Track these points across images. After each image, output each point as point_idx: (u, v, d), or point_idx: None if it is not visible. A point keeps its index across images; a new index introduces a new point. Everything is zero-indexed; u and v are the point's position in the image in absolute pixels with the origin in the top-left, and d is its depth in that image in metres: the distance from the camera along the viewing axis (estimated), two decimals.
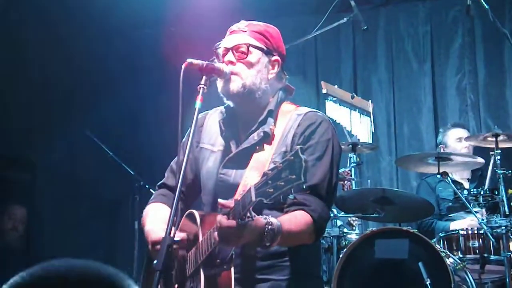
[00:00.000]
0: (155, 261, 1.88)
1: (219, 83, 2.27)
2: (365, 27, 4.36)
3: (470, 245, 3.99)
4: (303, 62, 5.87)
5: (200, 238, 2.11)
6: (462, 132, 4.85)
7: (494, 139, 4.06)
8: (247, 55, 2.25)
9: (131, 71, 6.06)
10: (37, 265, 0.97)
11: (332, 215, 4.11)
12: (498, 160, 4.00)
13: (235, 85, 2.23)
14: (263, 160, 2.15)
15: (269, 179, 1.71)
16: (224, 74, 2.23)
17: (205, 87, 2.14)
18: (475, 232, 4.00)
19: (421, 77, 5.64)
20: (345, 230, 4.25)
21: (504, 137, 4.09)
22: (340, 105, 4.77)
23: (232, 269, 2.07)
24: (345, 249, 3.90)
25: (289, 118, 2.26)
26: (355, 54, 5.84)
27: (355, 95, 4.92)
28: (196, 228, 2.17)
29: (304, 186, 1.67)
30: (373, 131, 5.02)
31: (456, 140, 4.84)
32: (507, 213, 3.87)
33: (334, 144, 2.24)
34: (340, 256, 3.87)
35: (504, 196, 3.90)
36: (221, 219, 1.88)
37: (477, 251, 3.95)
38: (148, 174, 4.93)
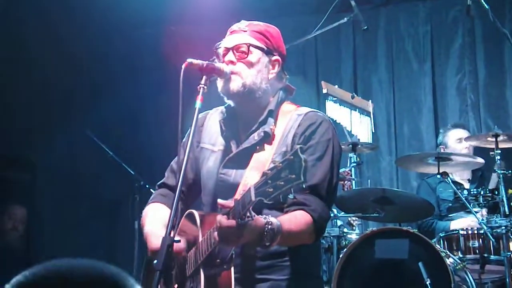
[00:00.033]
0: (155, 261, 1.88)
1: (219, 83, 2.27)
2: (365, 27, 4.36)
3: (470, 245, 3.99)
4: (303, 62, 5.87)
5: (200, 238, 2.11)
6: (462, 133, 4.85)
7: (494, 139, 4.06)
8: (247, 55, 2.25)
9: (132, 71, 6.06)
10: (40, 265, 0.97)
11: (332, 215, 4.11)
12: (498, 160, 4.00)
13: (235, 84, 2.23)
14: (264, 160, 2.15)
15: (268, 179, 1.71)
16: (224, 74, 2.23)
17: (205, 87, 2.14)
18: (475, 232, 4.00)
19: (421, 77, 5.64)
20: (345, 230, 4.25)
21: (504, 137, 4.09)
22: (340, 105, 4.77)
23: (232, 269, 2.07)
24: (345, 249, 3.90)
25: (289, 118, 2.26)
26: (355, 54, 5.84)
27: (355, 95, 4.92)
28: (196, 228, 2.17)
29: (303, 186, 1.67)
30: (373, 131, 5.02)
31: (456, 140, 4.84)
32: (507, 213, 3.87)
33: (334, 144, 2.24)
34: (340, 256, 3.87)
35: (504, 196, 3.90)
36: (221, 219, 1.87)
37: (477, 251, 3.95)
38: (148, 174, 4.93)
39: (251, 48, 2.25)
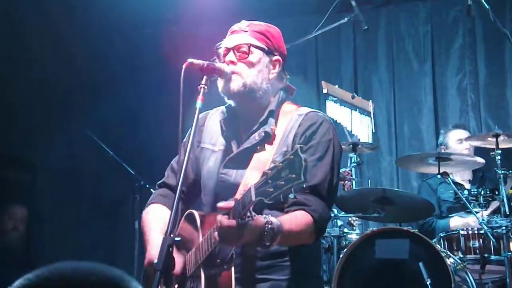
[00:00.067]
0: (155, 261, 1.87)
1: (220, 83, 2.27)
2: (366, 27, 4.36)
3: (471, 245, 3.99)
4: (304, 62, 5.87)
5: (200, 238, 2.11)
6: (463, 133, 4.85)
7: (494, 139, 4.06)
8: (248, 55, 2.25)
9: (132, 70, 6.06)
10: (43, 267, 0.97)
11: (332, 215, 4.11)
12: (499, 160, 4.00)
13: (236, 84, 2.23)
14: (264, 160, 2.15)
15: (269, 179, 1.71)
16: (225, 74, 2.23)
17: (205, 87, 2.14)
18: (476, 232, 4.00)
19: (421, 77, 5.64)
20: (345, 230, 4.25)
21: (505, 137, 4.09)
22: (340, 105, 4.77)
23: (233, 269, 2.07)
24: (346, 249, 3.90)
25: (290, 118, 2.26)
26: (355, 54, 5.84)
27: (355, 95, 4.92)
28: (196, 229, 2.17)
29: (304, 186, 1.67)
30: (374, 131, 5.02)
31: (457, 141, 4.84)
32: (508, 213, 3.87)
33: (335, 144, 2.24)
34: (341, 256, 3.87)
35: (505, 196, 3.90)
36: (221, 218, 1.87)
37: (478, 251, 3.95)
38: (148, 174, 4.93)
39: (251, 48, 2.25)
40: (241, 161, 2.22)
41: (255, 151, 2.20)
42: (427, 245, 3.72)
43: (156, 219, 2.34)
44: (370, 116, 4.96)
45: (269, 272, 2.17)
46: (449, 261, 3.76)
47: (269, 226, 1.92)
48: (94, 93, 5.90)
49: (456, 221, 4.47)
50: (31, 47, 5.51)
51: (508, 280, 3.74)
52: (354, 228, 4.38)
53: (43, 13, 5.44)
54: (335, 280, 3.76)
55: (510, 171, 3.98)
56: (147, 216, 2.40)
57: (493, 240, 3.87)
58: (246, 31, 2.28)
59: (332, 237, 4.17)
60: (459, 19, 5.59)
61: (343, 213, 4.31)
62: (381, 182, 5.53)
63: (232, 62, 2.25)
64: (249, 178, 2.10)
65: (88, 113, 5.65)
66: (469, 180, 4.86)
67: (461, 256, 3.95)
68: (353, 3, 4.30)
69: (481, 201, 4.04)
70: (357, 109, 4.90)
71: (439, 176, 4.17)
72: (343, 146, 3.75)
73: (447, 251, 3.96)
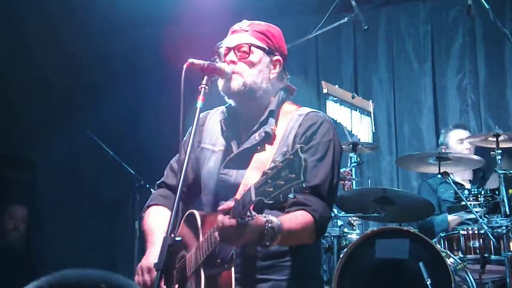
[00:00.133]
0: (155, 261, 1.87)
1: (220, 83, 2.27)
2: (366, 27, 4.36)
3: (471, 245, 3.98)
4: (304, 62, 5.87)
5: (201, 238, 2.11)
6: (464, 133, 4.85)
7: (495, 139, 4.06)
8: (249, 55, 2.25)
9: (132, 70, 6.06)
10: (49, 275, 0.97)
11: (332, 215, 4.11)
12: (499, 160, 4.00)
13: (236, 83, 2.23)
14: (264, 160, 2.14)
15: (268, 178, 1.71)
16: (225, 74, 2.23)
17: (206, 87, 2.13)
18: (476, 232, 4.00)
19: (421, 77, 5.64)
20: (345, 230, 4.25)
21: (505, 137, 4.09)
22: (340, 105, 4.77)
23: (233, 269, 2.06)
24: (346, 249, 3.89)
25: (290, 118, 2.26)
26: (355, 54, 5.84)
27: (355, 95, 4.92)
28: (196, 228, 2.17)
29: (303, 185, 1.67)
30: (374, 131, 5.02)
31: (457, 141, 4.84)
32: (508, 213, 3.87)
33: (335, 145, 2.24)
34: (341, 256, 3.87)
35: (505, 196, 3.90)
36: (221, 218, 1.87)
37: (478, 251, 3.95)
38: (148, 174, 4.92)
39: (252, 48, 2.25)
40: (241, 161, 2.22)
41: (255, 151, 2.20)
42: (427, 245, 3.72)
43: (157, 222, 2.33)
44: (370, 116, 4.96)
45: (269, 272, 2.17)
46: (449, 261, 3.76)
47: (269, 225, 1.92)
48: (94, 93, 5.90)
49: (453, 217, 4.47)
50: (31, 47, 5.52)
51: (508, 280, 3.73)
52: (354, 228, 4.38)
53: (43, 13, 5.44)
54: (335, 280, 3.76)
55: (510, 171, 3.98)
56: (148, 219, 2.40)
57: (493, 240, 3.87)
58: (247, 31, 2.28)
59: (332, 237, 4.17)
60: (459, 19, 5.59)
61: (343, 213, 4.31)
62: (381, 182, 5.53)
63: (233, 62, 2.25)
64: (249, 178, 2.09)
65: (88, 113, 5.65)
66: (469, 180, 4.86)
67: (461, 256, 3.95)
68: (353, 3, 4.30)
69: (481, 201, 4.04)
70: (357, 109, 4.90)
71: (439, 176, 4.16)
72: (343, 146, 3.74)
73: (447, 251, 3.96)
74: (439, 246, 3.88)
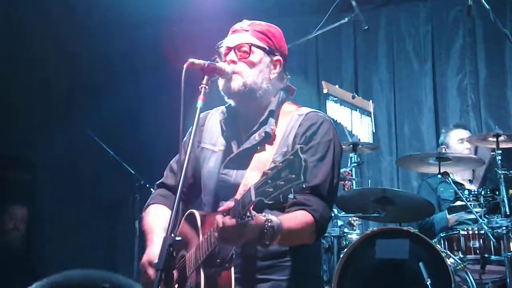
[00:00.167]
0: (156, 261, 1.87)
1: (221, 82, 2.27)
2: (366, 27, 4.36)
3: (471, 245, 3.98)
4: (305, 62, 5.88)
5: (201, 238, 2.11)
6: (464, 133, 4.85)
7: (495, 139, 4.06)
8: (249, 55, 2.25)
9: (132, 70, 6.06)
10: (53, 276, 0.97)
11: (332, 215, 4.10)
12: (499, 161, 4.00)
13: (236, 83, 2.23)
14: (264, 160, 2.14)
15: (268, 179, 1.71)
16: (226, 74, 2.23)
17: (206, 86, 2.13)
18: (476, 232, 4.00)
19: (422, 77, 5.64)
20: (345, 230, 4.25)
21: (505, 137, 4.09)
22: (341, 105, 4.77)
23: (232, 269, 2.06)
24: (346, 249, 3.89)
25: (290, 118, 2.26)
26: (356, 54, 5.84)
27: (356, 95, 4.92)
28: (196, 228, 2.17)
29: (303, 186, 1.66)
30: (374, 131, 5.02)
31: (457, 141, 4.84)
32: (508, 213, 3.87)
33: (335, 145, 2.24)
34: (341, 256, 3.87)
35: (505, 196, 3.90)
36: (221, 218, 1.87)
37: (478, 252, 3.95)
38: (148, 174, 4.92)
39: (253, 48, 2.25)
40: (241, 161, 2.22)
41: (255, 151, 2.20)
42: (427, 245, 3.72)
43: (157, 219, 2.34)
44: (371, 116, 4.96)
45: (269, 272, 2.16)
46: (449, 261, 3.76)
47: (269, 224, 1.92)
48: (94, 93, 5.90)
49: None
50: (31, 47, 5.52)
51: (508, 280, 3.73)
52: (354, 228, 4.38)
53: (43, 13, 5.44)
54: (335, 280, 3.76)
55: (510, 171, 3.98)
56: (148, 217, 2.40)
57: (493, 240, 3.87)
58: (248, 31, 2.28)
59: (332, 237, 4.17)
60: (459, 19, 5.59)
61: (343, 213, 4.31)
62: (381, 182, 5.53)
63: (233, 62, 2.25)
64: (249, 178, 2.09)
65: (88, 113, 5.65)
66: (469, 180, 4.85)
67: (461, 256, 3.94)
68: (354, 3, 4.30)
69: (482, 201, 4.03)
70: (358, 109, 4.90)
71: (439, 176, 4.16)
72: (343, 146, 3.75)
73: (447, 251, 3.96)
74: (439, 246, 3.88)
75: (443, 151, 4.80)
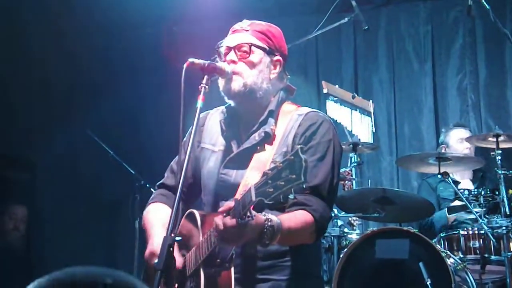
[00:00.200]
0: (156, 261, 1.87)
1: (221, 82, 2.27)
2: (366, 27, 4.36)
3: (471, 245, 3.98)
4: (304, 62, 5.87)
5: (201, 238, 2.11)
6: (464, 133, 4.85)
7: (495, 139, 4.06)
8: (249, 55, 2.25)
9: (132, 70, 6.06)
10: (56, 272, 0.97)
11: (332, 215, 4.10)
12: (499, 161, 4.00)
13: (237, 84, 2.23)
14: (264, 160, 2.14)
15: (269, 179, 1.71)
16: (226, 74, 2.23)
17: (206, 86, 2.14)
18: (476, 232, 4.00)
19: (422, 77, 5.64)
20: (345, 230, 4.25)
21: (505, 138, 4.09)
22: (341, 105, 4.77)
23: (232, 269, 2.06)
24: (346, 249, 3.90)
25: (290, 118, 2.26)
26: (356, 54, 5.84)
27: (356, 95, 4.92)
28: (196, 228, 2.17)
29: (304, 186, 1.67)
30: (374, 131, 5.02)
31: (457, 140, 4.84)
32: (508, 213, 3.87)
33: (335, 145, 2.24)
34: (341, 256, 3.87)
35: (505, 196, 3.90)
36: (221, 218, 1.87)
37: (478, 251, 3.95)
38: (148, 174, 4.92)
39: (253, 48, 2.25)
40: (241, 161, 2.22)
41: (255, 151, 2.20)
42: (427, 245, 3.72)
43: (158, 216, 2.34)
44: (371, 116, 4.96)
45: (269, 272, 2.17)
46: (449, 261, 3.76)
47: (269, 223, 1.92)
48: (94, 93, 5.90)
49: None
50: (31, 47, 5.52)
51: (508, 280, 3.73)
52: (354, 228, 4.38)
53: (43, 13, 5.44)
54: (335, 280, 3.76)
55: (510, 171, 3.98)
56: (148, 215, 2.40)
57: (493, 240, 3.87)
58: (248, 31, 2.28)
59: (332, 237, 4.17)
60: (459, 19, 5.59)
61: (343, 213, 4.31)
62: (381, 182, 5.53)
63: (233, 62, 2.25)
64: (249, 178, 2.10)
65: (88, 113, 5.65)
66: (469, 180, 4.86)
67: (461, 256, 3.94)
68: (354, 3, 4.30)
69: (481, 201, 4.04)
70: (358, 109, 4.90)
71: (439, 176, 4.17)
72: (343, 146, 3.74)
73: (447, 251, 3.96)
74: (439, 246, 3.88)
75: (443, 150, 4.80)
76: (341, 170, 4.09)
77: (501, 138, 4.07)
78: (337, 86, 4.87)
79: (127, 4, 5.38)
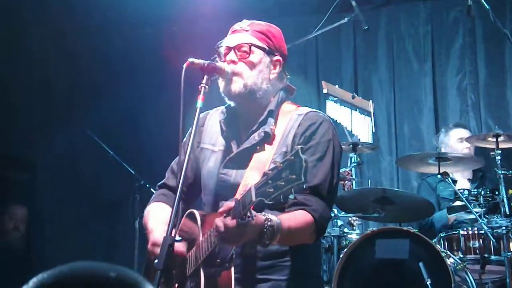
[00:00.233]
0: (156, 261, 1.87)
1: (221, 83, 2.27)
2: (366, 27, 4.36)
3: (471, 245, 3.98)
4: (304, 62, 5.87)
5: (201, 238, 2.11)
6: (464, 133, 4.85)
7: (494, 139, 4.06)
8: (249, 55, 2.25)
9: (132, 70, 6.06)
10: (57, 268, 0.97)
11: (332, 215, 4.11)
12: (499, 161, 4.00)
13: (237, 85, 2.23)
14: (264, 160, 2.15)
15: (269, 179, 1.71)
16: (225, 74, 2.23)
17: (206, 86, 2.14)
18: (476, 232, 4.00)
19: (421, 77, 5.64)
20: (345, 230, 4.25)
21: (505, 138, 4.09)
22: (340, 105, 4.77)
23: (232, 268, 2.06)
24: (346, 249, 3.90)
25: (289, 118, 2.26)
26: (356, 54, 5.84)
27: (355, 95, 4.92)
28: (196, 228, 2.17)
29: (304, 186, 1.67)
30: (374, 131, 5.02)
31: (457, 140, 4.84)
32: (508, 213, 3.87)
33: (335, 144, 2.24)
34: (341, 256, 3.87)
35: (505, 196, 3.90)
36: (222, 219, 1.87)
37: (478, 251, 3.95)
38: (148, 174, 4.93)
39: (253, 48, 2.25)
40: (241, 161, 2.22)
41: (255, 151, 2.20)
42: (427, 245, 3.72)
43: (158, 214, 2.34)
44: (370, 116, 4.97)
45: (269, 272, 2.17)
46: (449, 261, 3.76)
47: (269, 223, 1.93)
48: (94, 93, 5.90)
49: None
50: (31, 47, 5.52)
51: (508, 280, 3.73)
52: (354, 228, 4.38)
53: (43, 13, 5.44)
54: (335, 280, 3.76)
55: (510, 171, 3.99)
56: (149, 213, 2.41)
57: (493, 240, 3.87)
58: (247, 31, 2.28)
59: (332, 237, 4.17)
60: (459, 19, 5.58)
61: (343, 213, 4.31)
62: (381, 182, 5.53)
63: (233, 62, 2.25)
64: (249, 178, 2.10)
65: (88, 113, 5.65)
66: (468, 179, 4.85)
67: (461, 256, 3.95)
68: (353, 3, 4.30)
69: (481, 201, 4.04)
70: (357, 109, 4.90)
71: (439, 176, 4.17)
72: (343, 146, 3.75)
73: (447, 251, 3.96)
74: (439, 246, 3.88)
75: (442, 150, 4.80)
76: (341, 170, 4.09)
77: (501, 138, 4.07)
78: (337, 86, 4.87)
79: (127, 4, 5.38)
